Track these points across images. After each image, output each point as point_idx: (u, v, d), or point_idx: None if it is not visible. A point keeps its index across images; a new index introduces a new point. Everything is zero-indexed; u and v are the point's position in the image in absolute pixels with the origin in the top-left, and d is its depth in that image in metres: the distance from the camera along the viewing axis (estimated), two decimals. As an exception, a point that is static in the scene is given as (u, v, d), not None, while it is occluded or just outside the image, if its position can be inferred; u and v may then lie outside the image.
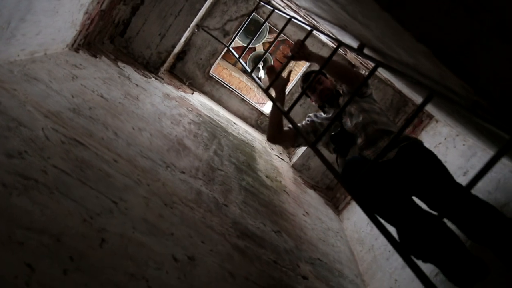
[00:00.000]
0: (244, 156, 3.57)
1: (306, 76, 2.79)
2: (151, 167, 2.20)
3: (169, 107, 3.37)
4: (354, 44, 2.18)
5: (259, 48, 7.68)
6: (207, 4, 3.96)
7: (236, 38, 6.80)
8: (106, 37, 3.71)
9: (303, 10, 2.79)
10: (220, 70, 7.73)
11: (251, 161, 3.57)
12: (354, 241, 3.27)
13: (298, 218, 3.09)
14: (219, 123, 4.01)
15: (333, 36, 2.60)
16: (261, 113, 4.97)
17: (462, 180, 2.54)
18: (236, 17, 4.53)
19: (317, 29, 2.48)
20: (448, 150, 3.00)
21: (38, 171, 1.54)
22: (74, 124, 2.06)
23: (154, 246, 1.61)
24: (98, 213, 1.56)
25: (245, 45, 7.03)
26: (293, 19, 2.69)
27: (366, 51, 2.01)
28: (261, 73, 7.65)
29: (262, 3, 3.80)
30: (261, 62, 8.14)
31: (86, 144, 1.96)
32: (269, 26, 6.00)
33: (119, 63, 3.50)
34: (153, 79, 3.81)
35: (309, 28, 2.27)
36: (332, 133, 2.47)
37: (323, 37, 3.58)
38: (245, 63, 7.97)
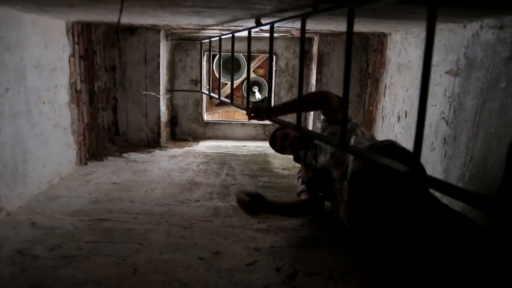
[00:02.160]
0: (257, 165, 3.94)
1: (272, 140, 2.73)
2: (168, 209, 2.64)
3: (176, 163, 3.86)
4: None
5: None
6: (163, 71, 4.52)
7: (222, 72, 7.38)
8: (107, 142, 4.33)
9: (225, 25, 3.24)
10: (215, 110, 8.26)
11: (265, 165, 3.94)
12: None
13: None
14: (227, 152, 4.44)
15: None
16: (265, 125, 5.36)
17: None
18: (196, 65, 5.06)
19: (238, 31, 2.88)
20: (407, 50, 3.21)
21: (74, 249, 2.02)
22: (96, 210, 2.56)
23: (180, 257, 2.01)
24: (127, 255, 2.00)
25: (228, 82, 7.54)
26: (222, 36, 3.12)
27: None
28: (257, 95, 8.09)
29: (204, 40, 4.28)
30: (255, 86, 8.64)
31: (108, 218, 2.44)
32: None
33: (124, 154, 4.07)
34: (157, 150, 4.35)
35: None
36: (307, 181, 2.41)
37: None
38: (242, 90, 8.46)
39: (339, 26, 3.36)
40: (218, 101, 7.80)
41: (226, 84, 7.83)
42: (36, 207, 2.59)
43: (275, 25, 2.20)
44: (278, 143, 2.64)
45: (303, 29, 1.76)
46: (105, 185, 3.09)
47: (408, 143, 3.04)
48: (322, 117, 2.45)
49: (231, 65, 3.07)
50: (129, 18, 2.97)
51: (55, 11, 2.48)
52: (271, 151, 3.00)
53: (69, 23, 3.27)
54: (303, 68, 1.73)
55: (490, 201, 0.85)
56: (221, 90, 4.34)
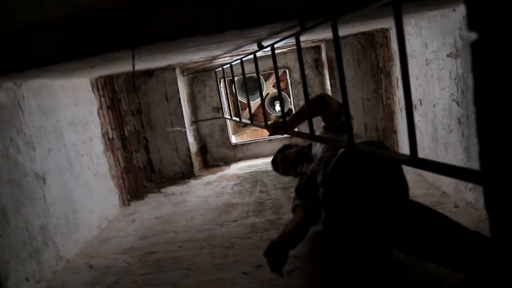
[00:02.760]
0: (289, 180, 4.07)
1: (274, 165, 2.79)
2: (209, 234, 2.81)
3: (211, 189, 4.05)
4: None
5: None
6: (184, 105, 4.78)
7: (240, 98, 7.61)
8: (144, 181, 4.59)
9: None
10: (243, 131, 8.45)
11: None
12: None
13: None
14: (259, 170, 4.59)
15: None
16: (290, 137, 5.49)
17: (426, 51, 2.88)
18: (214, 93, 5.29)
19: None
20: (409, 40, 3.29)
21: (131, 283, 2.22)
22: (144, 245, 2.77)
23: (225, 275, 2.16)
24: (178, 281, 2.17)
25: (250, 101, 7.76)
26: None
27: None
28: (278, 108, 8.26)
29: (218, 69, 4.50)
30: (277, 101, 8.83)
31: (156, 250, 2.64)
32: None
33: (162, 190, 4.31)
34: (192, 180, 4.57)
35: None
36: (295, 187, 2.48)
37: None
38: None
39: (341, 31, 3.49)
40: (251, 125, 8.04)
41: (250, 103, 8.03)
42: (91, 251, 2.82)
43: (276, 45, 2.37)
44: (280, 166, 2.65)
45: (298, 45, 1.93)
46: (149, 221, 3.31)
47: (427, 129, 3.09)
48: (322, 123, 2.45)
49: (245, 88, 3.26)
50: (144, 65, 3.22)
51: (80, 73, 2.76)
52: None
53: (93, 80, 3.57)
54: (305, 79, 1.89)
55: (476, 172, 0.96)
56: (245, 110, 4.53)
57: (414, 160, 1.22)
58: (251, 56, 2.93)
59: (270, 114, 8.76)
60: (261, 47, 2.74)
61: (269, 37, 2.50)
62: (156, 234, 2.96)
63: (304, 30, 1.86)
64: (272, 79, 8.44)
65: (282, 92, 8.84)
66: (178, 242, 2.73)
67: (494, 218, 0.81)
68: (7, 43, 1.89)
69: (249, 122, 3.40)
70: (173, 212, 3.45)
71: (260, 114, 9.40)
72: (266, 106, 8.83)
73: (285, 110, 8.58)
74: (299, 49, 1.95)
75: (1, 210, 2.17)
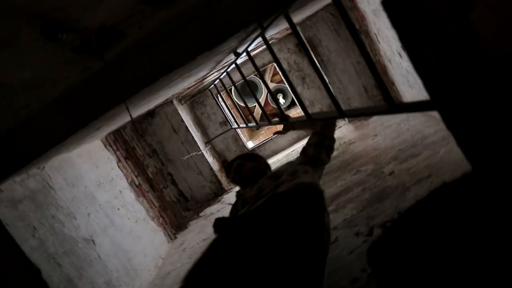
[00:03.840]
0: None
1: (228, 169, 2.37)
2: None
3: (244, 197, 4.22)
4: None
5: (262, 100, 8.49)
6: (193, 130, 4.98)
7: (240, 101, 7.78)
8: (182, 211, 4.80)
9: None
10: (258, 133, 8.61)
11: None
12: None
13: (368, 146, 3.57)
14: (281, 164, 4.74)
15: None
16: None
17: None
18: (216, 109, 5.48)
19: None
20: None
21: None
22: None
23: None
24: None
25: (253, 104, 7.91)
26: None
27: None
28: (282, 100, 8.40)
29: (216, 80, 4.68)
30: (279, 94, 8.99)
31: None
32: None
33: (200, 214, 4.51)
34: (225, 195, 4.75)
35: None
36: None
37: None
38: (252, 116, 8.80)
39: (305, 12, 3.61)
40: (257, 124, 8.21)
41: (255, 106, 8.21)
42: (156, 290, 3.03)
43: (249, 48, 2.53)
44: (231, 174, 2.27)
45: (266, 43, 2.08)
46: (197, 245, 3.50)
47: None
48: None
49: (239, 94, 3.43)
50: (142, 108, 3.43)
51: (89, 138, 2.98)
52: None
53: (103, 139, 3.81)
54: (284, 71, 2.04)
55: (427, 102, 1.09)
56: (253, 113, 4.69)
57: (392, 108, 1.35)
58: (233, 65, 3.10)
59: (276, 107, 8.90)
60: (237, 55, 2.90)
61: (241, 43, 2.66)
62: (208, 254, 3.14)
63: (264, 29, 2.01)
64: (268, 75, 8.58)
65: (281, 84, 8.99)
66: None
67: (455, 135, 0.93)
68: (18, 137, 2.10)
69: (255, 125, 3.56)
70: (216, 230, 3.63)
71: (270, 111, 9.57)
72: (271, 102, 9.00)
73: (285, 102, 8.74)
74: (268, 46, 2.11)
75: (67, 279, 2.39)
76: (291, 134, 5.61)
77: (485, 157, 0.74)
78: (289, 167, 1.85)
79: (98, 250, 2.83)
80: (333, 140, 2.07)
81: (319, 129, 2.09)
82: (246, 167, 2.24)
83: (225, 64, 3.77)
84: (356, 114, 1.73)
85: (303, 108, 2.08)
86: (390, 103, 1.34)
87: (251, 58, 2.61)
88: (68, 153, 3.11)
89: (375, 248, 1.14)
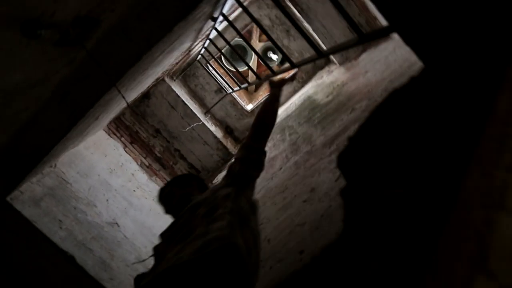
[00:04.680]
0: (307, 111, 4.29)
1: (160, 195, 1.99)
2: (264, 191, 3.11)
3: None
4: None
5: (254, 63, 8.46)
6: (190, 103, 5.06)
7: (231, 67, 7.79)
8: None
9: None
10: (257, 94, 8.65)
11: (313, 106, 4.27)
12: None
13: (360, 84, 3.64)
14: (281, 119, 4.83)
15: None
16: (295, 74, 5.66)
17: None
18: (209, 79, 5.53)
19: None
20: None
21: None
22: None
23: (290, 211, 2.46)
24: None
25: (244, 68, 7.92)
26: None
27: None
28: (274, 57, 8.38)
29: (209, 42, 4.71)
30: (269, 51, 8.94)
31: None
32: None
33: (213, 181, 4.67)
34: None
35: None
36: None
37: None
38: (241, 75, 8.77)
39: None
40: (255, 86, 8.27)
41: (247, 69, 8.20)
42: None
43: (224, 11, 2.57)
44: (161, 200, 1.93)
45: (238, 1, 2.12)
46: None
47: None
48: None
49: (228, 60, 3.48)
50: (135, 91, 3.50)
51: (91, 129, 3.08)
52: (312, 90, 3.32)
53: (105, 129, 3.91)
54: (264, 29, 2.08)
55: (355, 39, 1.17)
56: (248, 76, 4.75)
57: (361, 38, 1.42)
58: (215, 32, 3.14)
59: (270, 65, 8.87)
60: (214, 19, 2.94)
61: (215, 7, 2.69)
62: (227, 215, 3.30)
63: None
64: (255, 35, 8.52)
65: (270, 43, 8.93)
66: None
67: (413, 48, 1.02)
68: (24, 140, 2.21)
69: (246, 85, 3.63)
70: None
71: (264, 71, 9.54)
72: (263, 63, 8.98)
73: (278, 58, 8.71)
74: (240, 4, 2.16)
75: (101, 261, 2.56)
76: (287, 88, 5.66)
77: (434, 57, 0.82)
78: (212, 196, 1.58)
79: (123, 231, 3.00)
80: (261, 152, 1.73)
81: (248, 139, 1.74)
82: (176, 195, 1.91)
83: (207, 33, 3.80)
84: (333, 52, 1.80)
85: (287, 58, 2.15)
86: (360, 34, 1.41)
87: (228, 21, 2.65)
88: (76, 147, 3.23)
89: (342, 155, 1.24)
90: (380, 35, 1.22)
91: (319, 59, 1.83)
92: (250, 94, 8.46)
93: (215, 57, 4.15)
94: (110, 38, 1.88)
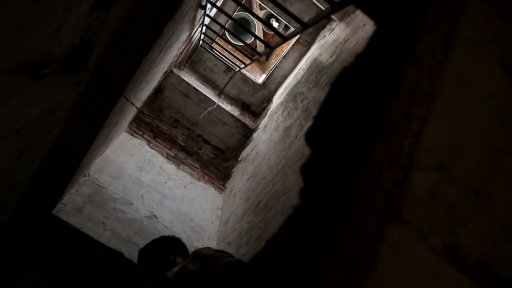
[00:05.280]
0: (315, 75, 4.35)
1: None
2: (285, 160, 3.26)
3: (270, 128, 4.49)
4: None
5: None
6: (202, 88, 5.20)
7: (236, 41, 7.82)
8: (223, 163, 5.18)
9: None
10: (268, 63, 8.66)
11: (319, 68, 4.32)
12: None
13: (360, 38, 3.66)
14: (292, 87, 4.91)
15: None
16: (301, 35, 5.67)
17: None
18: (215, 60, 5.63)
19: None
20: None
21: (255, 230, 2.76)
22: (250, 202, 3.31)
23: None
24: (284, 203, 2.66)
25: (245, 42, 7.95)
26: None
27: None
28: (275, 24, 8.33)
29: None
30: (272, 18, 8.88)
31: (261, 199, 3.16)
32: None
33: (238, 158, 4.86)
34: (254, 134, 5.05)
35: None
36: None
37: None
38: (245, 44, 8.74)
39: None
40: (264, 57, 8.31)
41: (255, 40, 8.21)
42: (224, 235, 3.44)
43: None
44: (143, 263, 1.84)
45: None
46: (243, 185, 3.86)
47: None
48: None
49: (234, 35, 3.56)
50: (146, 90, 3.68)
51: (113, 135, 3.30)
52: (317, 52, 3.37)
53: (127, 130, 4.14)
54: None
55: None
56: (256, 47, 4.82)
57: (335, 7, 1.51)
58: (207, 18, 3.23)
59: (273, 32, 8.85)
60: (203, 8, 3.03)
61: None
62: (254, 190, 3.49)
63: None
64: (255, 5, 8.48)
65: (271, 11, 8.86)
66: (269, 184, 3.23)
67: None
68: (56, 158, 2.44)
69: (257, 56, 3.71)
70: (255, 167, 3.96)
71: (271, 38, 9.51)
72: (267, 31, 8.94)
73: (279, 25, 8.64)
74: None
75: (147, 252, 2.81)
76: (293, 55, 5.69)
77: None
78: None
79: (162, 222, 3.24)
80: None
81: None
82: (158, 262, 1.78)
83: (201, 20, 3.88)
84: (314, 22, 1.88)
85: (297, 19, 2.23)
86: (332, 4, 1.50)
87: (216, 7, 2.73)
88: (103, 154, 3.46)
89: (308, 133, 1.23)
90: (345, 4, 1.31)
91: (334, 13, 1.87)
92: (261, 64, 8.50)
93: (220, 34, 4.23)
94: (107, 54, 2.03)
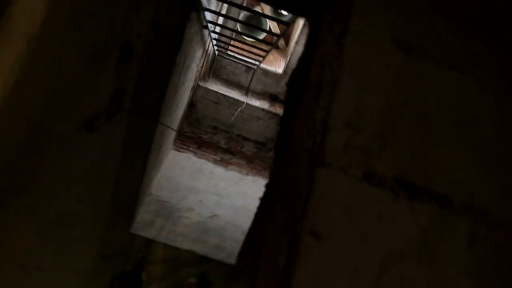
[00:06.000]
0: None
1: None
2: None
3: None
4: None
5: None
6: (229, 92, 5.61)
7: (248, 39, 8.12)
8: (266, 153, 5.56)
9: None
10: (283, 52, 8.87)
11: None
12: None
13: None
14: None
15: None
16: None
17: None
18: (235, 64, 6.01)
19: None
20: None
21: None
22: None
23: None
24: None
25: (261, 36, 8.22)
26: None
27: None
28: (285, 12, 8.54)
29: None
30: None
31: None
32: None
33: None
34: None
35: None
36: None
37: None
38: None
39: None
40: (284, 44, 8.58)
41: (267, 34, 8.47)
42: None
43: (208, 17, 3.01)
44: None
45: None
46: (286, 169, 4.21)
47: None
48: None
49: (246, 35, 3.91)
50: (179, 109, 4.13)
51: (162, 156, 3.78)
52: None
53: (173, 147, 4.62)
54: None
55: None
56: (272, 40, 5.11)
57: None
58: (214, 35, 3.60)
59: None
60: (206, 27, 3.40)
61: (201, 20, 3.16)
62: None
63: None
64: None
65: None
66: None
67: None
68: (122, 188, 2.93)
69: (271, 47, 4.03)
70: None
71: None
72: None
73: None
74: None
75: (216, 246, 3.26)
76: (303, 38, 5.93)
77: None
78: None
79: (223, 219, 3.68)
80: None
81: None
82: None
83: (210, 35, 4.26)
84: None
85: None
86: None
87: (218, 25, 3.07)
88: (159, 173, 3.96)
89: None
90: None
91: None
92: (283, 51, 8.75)
93: (232, 37, 4.59)
94: (136, 92, 2.46)
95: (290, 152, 0.99)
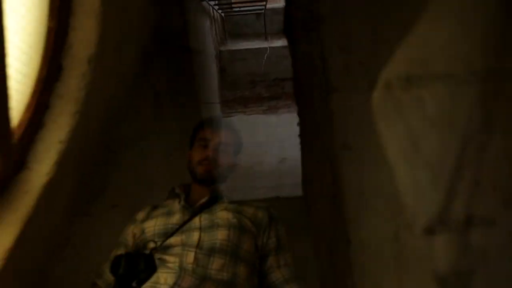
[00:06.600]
0: None
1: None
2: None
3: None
4: None
5: None
6: (253, 43, 5.70)
7: None
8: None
9: None
10: None
11: None
12: None
13: None
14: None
15: None
16: None
17: None
18: (243, 15, 6.05)
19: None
20: None
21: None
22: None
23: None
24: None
25: None
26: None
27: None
28: None
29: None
30: None
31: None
32: None
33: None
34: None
35: None
36: None
37: None
38: None
39: None
40: None
41: None
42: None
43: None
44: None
45: None
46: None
47: None
48: None
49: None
50: (212, 80, 4.35)
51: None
52: None
53: (223, 115, 4.91)
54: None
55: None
56: None
57: None
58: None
59: None
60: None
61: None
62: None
63: None
64: None
65: None
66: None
67: None
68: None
69: None
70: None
71: None
72: None
73: None
74: None
75: (295, 184, 3.56)
76: None
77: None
78: None
79: (292, 159, 3.95)
80: None
81: None
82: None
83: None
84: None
85: None
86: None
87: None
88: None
89: None
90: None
91: None
92: None
93: None
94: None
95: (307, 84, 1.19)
